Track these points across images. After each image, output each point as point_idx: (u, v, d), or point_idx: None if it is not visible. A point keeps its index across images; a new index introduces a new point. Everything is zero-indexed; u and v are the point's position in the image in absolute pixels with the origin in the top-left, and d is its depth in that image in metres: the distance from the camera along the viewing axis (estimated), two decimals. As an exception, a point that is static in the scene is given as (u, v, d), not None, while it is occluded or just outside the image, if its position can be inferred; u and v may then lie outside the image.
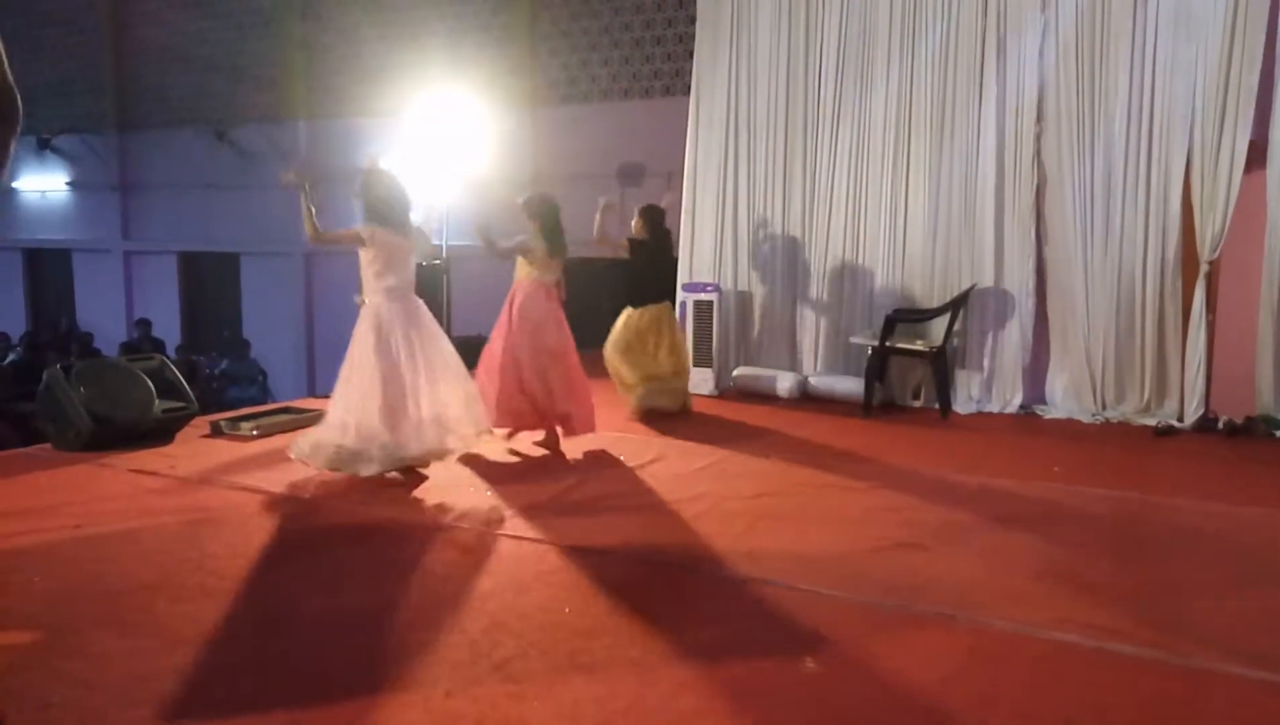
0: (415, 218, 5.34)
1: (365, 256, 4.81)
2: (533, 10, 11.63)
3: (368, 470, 4.57)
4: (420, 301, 4.97)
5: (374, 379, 4.63)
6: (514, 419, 5.53)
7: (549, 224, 5.58)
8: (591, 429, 5.62)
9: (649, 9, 11.00)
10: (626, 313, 6.57)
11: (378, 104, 11.99)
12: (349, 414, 4.64)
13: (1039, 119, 6.75)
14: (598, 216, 6.29)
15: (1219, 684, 2.69)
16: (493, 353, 5.60)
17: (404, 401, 4.66)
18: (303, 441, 4.74)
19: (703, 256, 7.99)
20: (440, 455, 4.80)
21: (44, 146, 15.39)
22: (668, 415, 6.49)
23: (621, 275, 6.76)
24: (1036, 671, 2.75)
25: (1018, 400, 6.88)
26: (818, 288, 7.64)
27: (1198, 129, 6.24)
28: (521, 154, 11.11)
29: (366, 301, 4.84)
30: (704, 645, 2.89)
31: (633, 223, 6.66)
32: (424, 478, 4.76)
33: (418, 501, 4.44)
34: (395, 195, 4.89)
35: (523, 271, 5.62)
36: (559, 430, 5.57)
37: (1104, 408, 6.65)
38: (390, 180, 4.93)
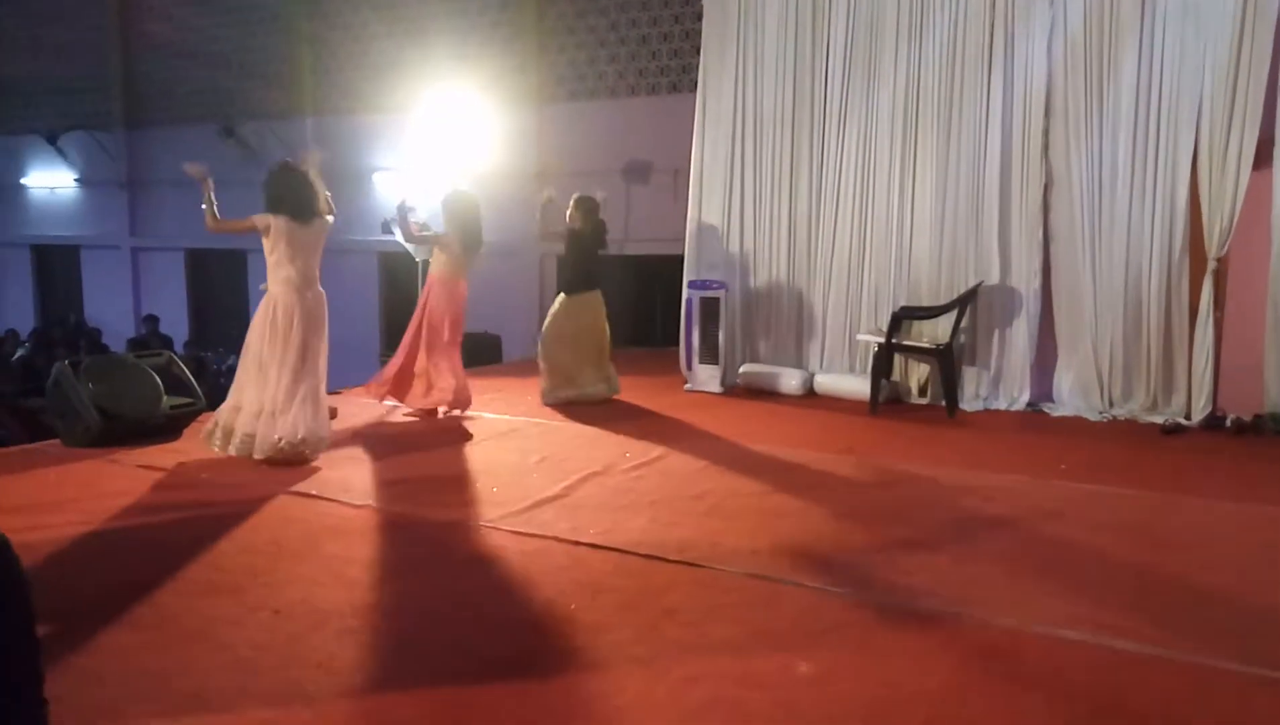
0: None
1: (266, 246, 5.04)
2: (540, 7, 11.63)
3: (249, 452, 4.90)
4: (321, 295, 5.17)
5: (255, 368, 4.96)
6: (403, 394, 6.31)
7: (464, 221, 6.17)
8: (455, 405, 6.25)
9: (656, 5, 10.99)
10: (561, 300, 6.89)
11: (385, 100, 12.01)
12: (237, 398, 4.99)
13: (1046, 114, 6.72)
14: (538, 213, 6.80)
15: (1227, 682, 2.69)
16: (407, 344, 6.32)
17: (276, 393, 4.92)
18: (209, 426, 5.07)
19: (709, 253, 7.98)
20: (290, 456, 4.92)
21: (52, 143, 15.44)
22: (667, 413, 6.54)
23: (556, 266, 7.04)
24: (1043, 669, 2.75)
25: (1025, 397, 6.87)
26: (824, 285, 7.63)
27: (1205, 124, 6.21)
28: (527, 151, 11.11)
29: (268, 289, 5.06)
30: (710, 642, 2.89)
31: (567, 213, 6.86)
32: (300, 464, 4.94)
33: (426, 498, 4.45)
34: (298, 188, 5.06)
35: (437, 264, 6.27)
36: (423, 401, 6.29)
37: (1111, 405, 6.63)
38: (297, 175, 5.10)
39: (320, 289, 5.19)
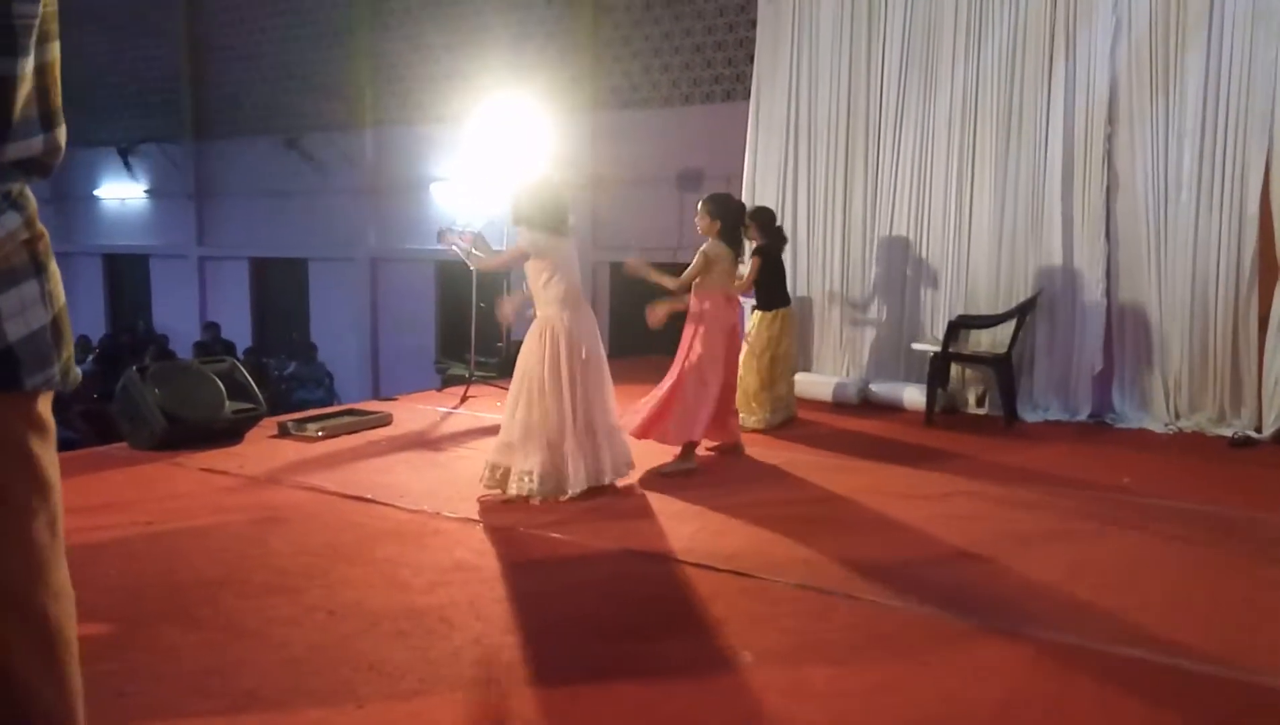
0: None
1: (532, 268, 4.56)
2: (595, 17, 11.70)
3: (531, 492, 4.37)
4: (590, 311, 4.71)
5: (543, 398, 4.42)
6: (721, 432, 5.43)
7: (731, 227, 5.30)
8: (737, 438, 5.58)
9: (710, 14, 10.99)
10: (758, 317, 6.45)
11: (442, 111, 12.19)
12: (518, 436, 4.44)
13: (1110, 119, 6.57)
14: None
15: (1296, 705, 2.59)
16: (684, 371, 5.22)
17: (570, 424, 4.43)
18: (486, 471, 4.50)
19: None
20: (597, 481, 4.54)
21: (124, 156, 15.98)
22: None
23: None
24: (1103, 687, 2.68)
25: (1086, 409, 6.70)
26: (879, 293, 7.55)
27: (1278, 129, 6.02)
28: (581, 159, 11.18)
29: (538, 313, 4.58)
30: (760, 652, 2.87)
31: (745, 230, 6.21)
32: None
33: (477, 504, 4.48)
34: (549, 198, 4.59)
35: (704, 282, 5.22)
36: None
37: (1177, 417, 6.44)
38: (540, 184, 4.68)
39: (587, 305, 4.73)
